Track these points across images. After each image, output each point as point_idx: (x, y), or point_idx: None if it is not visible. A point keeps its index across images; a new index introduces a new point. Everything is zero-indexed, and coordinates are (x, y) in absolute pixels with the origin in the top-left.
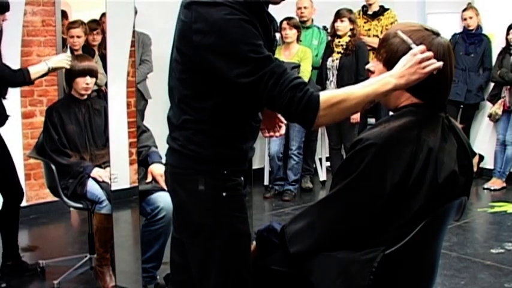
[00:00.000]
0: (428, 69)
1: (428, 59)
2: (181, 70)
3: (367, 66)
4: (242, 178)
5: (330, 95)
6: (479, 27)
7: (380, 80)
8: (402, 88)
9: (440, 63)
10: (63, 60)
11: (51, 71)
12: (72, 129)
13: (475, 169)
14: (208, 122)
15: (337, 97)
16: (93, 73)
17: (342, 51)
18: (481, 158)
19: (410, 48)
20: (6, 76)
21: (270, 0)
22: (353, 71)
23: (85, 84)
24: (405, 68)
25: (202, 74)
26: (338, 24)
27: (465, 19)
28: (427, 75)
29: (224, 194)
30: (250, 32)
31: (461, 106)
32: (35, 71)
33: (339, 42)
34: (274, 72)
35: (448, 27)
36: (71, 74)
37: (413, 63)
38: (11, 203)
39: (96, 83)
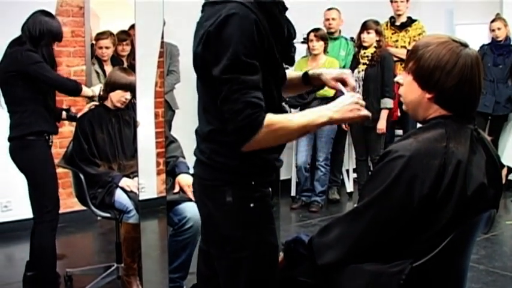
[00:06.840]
0: (361, 113)
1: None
2: (199, 75)
3: (395, 79)
4: (270, 189)
5: (272, 120)
6: (507, 38)
7: (317, 112)
8: (337, 123)
9: (369, 114)
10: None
11: (90, 98)
12: (103, 139)
13: (503, 181)
14: None
15: (277, 124)
16: (134, 90)
17: (368, 62)
18: (510, 170)
19: (441, 61)
20: (62, 81)
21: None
22: (378, 81)
23: (124, 98)
24: (343, 105)
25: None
26: (364, 35)
27: (493, 30)
28: (361, 118)
29: (252, 205)
30: (249, 33)
31: (490, 118)
32: (85, 88)
33: (365, 53)
34: (245, 82)
35: (476, 38)
36: (114, 84)
37: (351, 101)
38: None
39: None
